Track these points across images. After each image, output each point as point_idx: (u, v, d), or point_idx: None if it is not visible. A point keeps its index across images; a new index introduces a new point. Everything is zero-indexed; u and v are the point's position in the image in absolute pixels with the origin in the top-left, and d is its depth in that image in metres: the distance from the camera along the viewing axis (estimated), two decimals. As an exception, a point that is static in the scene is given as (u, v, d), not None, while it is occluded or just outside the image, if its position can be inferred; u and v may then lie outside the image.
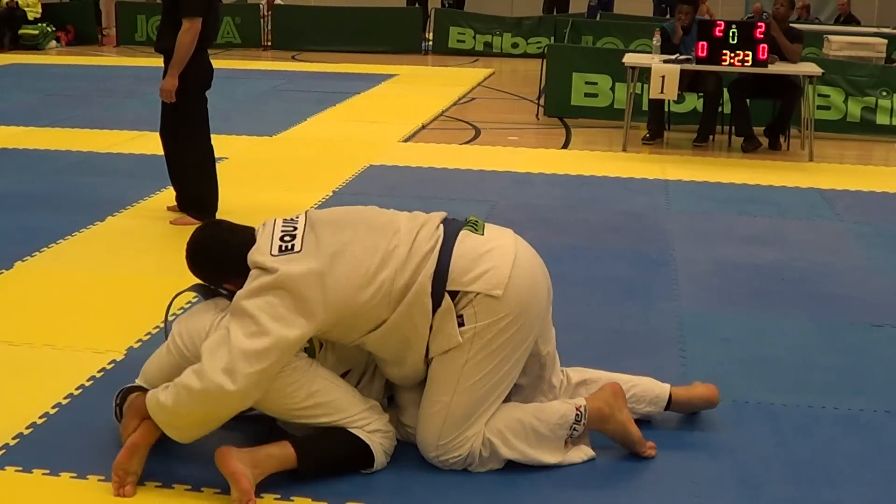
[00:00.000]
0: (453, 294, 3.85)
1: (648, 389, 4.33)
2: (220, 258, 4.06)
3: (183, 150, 7.38)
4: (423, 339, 3.90)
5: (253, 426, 4.17)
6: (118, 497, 3.78)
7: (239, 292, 3.86)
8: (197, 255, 4.13)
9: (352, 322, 3.88)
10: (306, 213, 4.09)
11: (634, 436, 4.04)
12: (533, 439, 3.97)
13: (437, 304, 3.85)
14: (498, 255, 3.92)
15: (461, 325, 3.86)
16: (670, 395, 4.33)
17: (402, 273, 3.85)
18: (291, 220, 4.03)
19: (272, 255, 3.85)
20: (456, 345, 3.87)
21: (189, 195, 7.46)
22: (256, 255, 3.88)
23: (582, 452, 4.05)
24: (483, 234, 4.01)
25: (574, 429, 3.99)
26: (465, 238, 3.96)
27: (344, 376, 4.10)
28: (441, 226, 4.01)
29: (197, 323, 4.03)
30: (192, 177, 7.43)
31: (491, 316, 3.85)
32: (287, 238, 3.91)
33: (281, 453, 3.83)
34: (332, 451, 3.93)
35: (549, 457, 3.98)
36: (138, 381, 4.19)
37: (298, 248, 3.86)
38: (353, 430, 3.93)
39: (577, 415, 4.00)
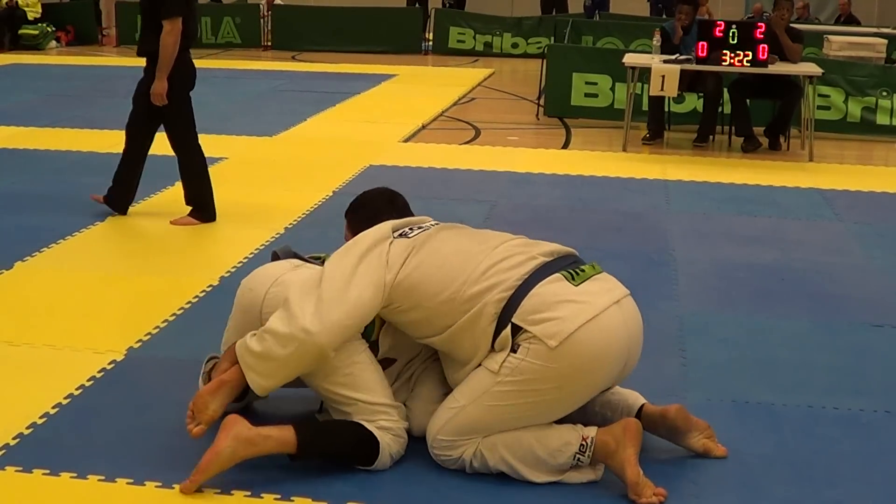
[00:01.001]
0: (517, 328, 3.82)
1: (623, 399, 4.22)
2: (371, 215, 4.34)
3: (176, 153, 7.44)
4: (483, 356, 3.90)
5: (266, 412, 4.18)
6: (189, 432, 3.92)
7: (354, 237, 4.16)
8: (360, 200, 4.56)
9: (423, 312, 3.95)
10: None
11: (629, 478, 3.80)
12: (529, 459, 3.89)
13: (500, 330, 3.84)
14: (574, 309, 3.81)
15: (514, 351, 3.81)
16: (641, 407, 4.18)
17: (469, 286, 3.89)
18: (435, 223, 4.27)
19: (391, 230, 4.12)
20: (493, 369, 3.85)
21: (189, 196, 7.49)
22: (387, 222, 4.18)
23: (583, 475, 3.92)
24: (578, 284, 3.90)
25: (578, 459, 3.87)
26: (553, 281, 3.89)
27: (387, 365, 4.16)
28: (539, 259, 3.96)
29: (266, 271, 4.26)
30: (188, 178, 7.46)
31: (538, 360, 3.78)
32: (416, 229, 4.15)
33: (280, 436, 3.85)
34: (335, 441, 3.95)
35: (541, 478, 3.89)
36: (222, 348, 4.38)
37: (411, 235, 4.10)
38: (366, 424, 3.94)
39: (582, 445, 3.87)
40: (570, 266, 3.98)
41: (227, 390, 4.00)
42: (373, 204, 4.47)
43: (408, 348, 4.21)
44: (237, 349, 4.02)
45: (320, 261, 4.32)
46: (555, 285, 3.88)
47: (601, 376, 3.90)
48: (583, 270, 3.98)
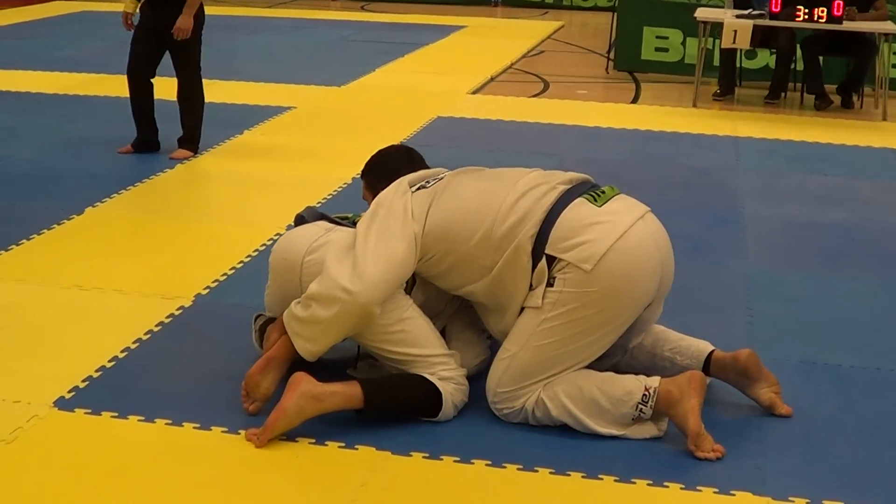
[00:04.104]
0: (551, 258, 3.85)
1: (693, 344, 4.24)
2: (389, 172, 4.34)
3: (187, 87, 7.87)
4: (522, 294, 3.92)
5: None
6: (246, 410, 3.99)
7: (375, 198, 4.16)
8: (375, 159, 4.59)
9: (458, 256, 3.97)
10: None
11: (691, 428, 3.80)
12: (592, 409, 3.89)
13: (536, 263, 3.86)
14: (602, 230, 3.83)
15: (550, 285, 3.84)
16: (711, 353, 4.19)
17: (500, 223, 3.91)
18: (449, 171, 4.28)
19: (409, 185, 4.15)
20: (536, 305, 3.87)
21: (190, 127, 7.89)
22: (403, 178, 4.19)
23: (646, 430, 3.91)
24: (601, 205, 3.92)
25: (641, 409, 3.87)
26: (578, 205, 3.91)
27: None
28: (559, 188, 3.98)
29: (298, 236, 4.28)
30: (196, 111, 7.92)
31: (577, 287, 3.80)
32: (432, 181, 4.16)
33: (346, 391, 3.87)
34: (400, 395, 3.98)
35: (605, 428, 3.89)
36: (267, 312, 4.47)
37: (429, 186, 4.13)
38: (426, 375, 3.97)
39: (644, 395, 3.86)
40: (589, 190, 4.01)
41: (276, 365, 4.03)
42: (389, 162, 4.50)
43: (436, 304, 4.25)
44: (284, 318, 4.06)
45: (349, 220, 4.34)
46: (580, 209, 3.90)
47: (640, 292, 3.91)
48: (603, 192, 4.01)
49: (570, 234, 3.84)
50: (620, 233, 3.84)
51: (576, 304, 3.82)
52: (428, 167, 4.47)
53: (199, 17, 7.68)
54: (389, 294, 3.95)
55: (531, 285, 3.90)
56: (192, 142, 7.87)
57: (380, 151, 4.65)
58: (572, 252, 3.81)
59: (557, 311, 3.84)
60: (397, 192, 4.10)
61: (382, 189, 4.18)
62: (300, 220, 4.44)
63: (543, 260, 3.85)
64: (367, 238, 3.97)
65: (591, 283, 3.79)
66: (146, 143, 7.86)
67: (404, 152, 4.63)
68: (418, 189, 4.12)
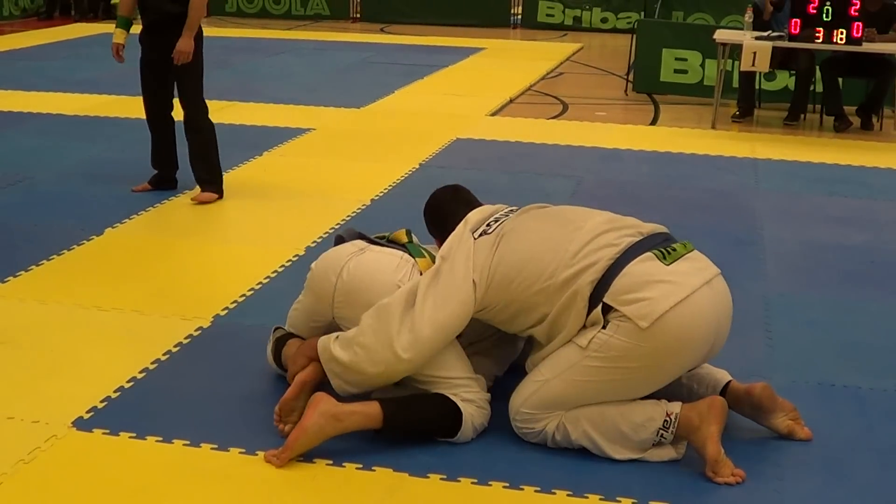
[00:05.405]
0: (608, 307, 3.82)
1: (711, 374, 4.22)
2: (441, 216, 4.39)
3: (199, 119, 7.31)
4: (572, 333, 3.90)
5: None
6: (280, 431, 3.99)
7: (440, 251, 4.13)
8: (426, 206, 4.52)
9: (518, 305, 3.97)
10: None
11: (710, 455, 3.79)
12: (612, 434, 3.89)
13: (592, 309, 3.84)
14: (666, 290, 3.79)
15: (603, 327, 3.81)
16: (728, 384, 4.16)
17: (563, 269, 3.89)
18: (511, 209, 4.25)
19: (470, 232, 4.11)
20: (583, 345, 3.85)
21: (209, 166, 7.36)
22: (463, 225, 4.16)
23: (665, 452, 3.91)
24: (669, 264, 3.88)
25: (661, 435, 3.87)
26: (645, 260, 3.88)
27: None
28: (627, 240, 3.94)
29: (334, 256, 4.28)
30: (209, 145, 7.34)
31: (628, 339, 3.78)
32: (493, 223, 4.13)
33: (366, 411, 3.89)
34: (419, 415, 3.98)
35: (623, 454, 3.89)
36: (287, 328, 4.50)
37: (490, 231, 4.09)
38: (449, 395, 3.97)
39: (665, 421, 3.86)
40: (660, 244, 3.96)
41: (309, 389, 4.05)
42: (438, 207, 4.47)
43: (477, 334, 4.26)
44: (321, 353, 4.08)
45: (385, 239, 4.34)
46: (646, 265, 3.86)
47: (688, 357, 3.89)
48: (674, 249, 3.95)
49: (632, 288, 3.81)
50: (683, 296, 3.79)
51: (621, 353, 3.80)
52: (475, 198, 4.46)
53: (198, 39, 7.19)
54: (435, 351, 3.98)
55: (584, 326, 3.89)
56: (214, 182, 7.37)
57: (429, 199, 4.57)
58: (631, 307, 3.78)
59: (602, 355, 3.82)
60: (461, 243, 4.07)
61: (442, 236, 4.22)
62: (339, 240, 4.45)
63: (600, 307, 3.82)
64: (425, 300, 3.96)
65: (643, 339, 3.77)
66: (164, 181, 7.49)
67: (450, 192, 4.55)
68: (481, 235, 4.09)
